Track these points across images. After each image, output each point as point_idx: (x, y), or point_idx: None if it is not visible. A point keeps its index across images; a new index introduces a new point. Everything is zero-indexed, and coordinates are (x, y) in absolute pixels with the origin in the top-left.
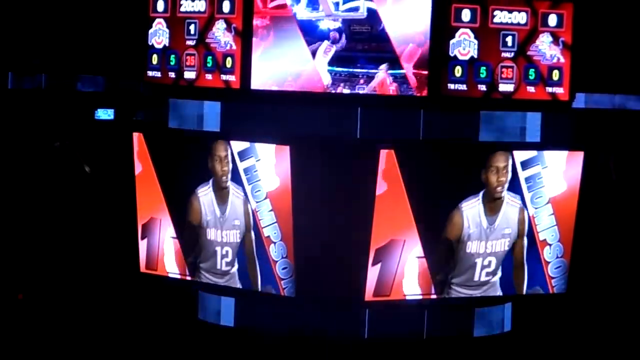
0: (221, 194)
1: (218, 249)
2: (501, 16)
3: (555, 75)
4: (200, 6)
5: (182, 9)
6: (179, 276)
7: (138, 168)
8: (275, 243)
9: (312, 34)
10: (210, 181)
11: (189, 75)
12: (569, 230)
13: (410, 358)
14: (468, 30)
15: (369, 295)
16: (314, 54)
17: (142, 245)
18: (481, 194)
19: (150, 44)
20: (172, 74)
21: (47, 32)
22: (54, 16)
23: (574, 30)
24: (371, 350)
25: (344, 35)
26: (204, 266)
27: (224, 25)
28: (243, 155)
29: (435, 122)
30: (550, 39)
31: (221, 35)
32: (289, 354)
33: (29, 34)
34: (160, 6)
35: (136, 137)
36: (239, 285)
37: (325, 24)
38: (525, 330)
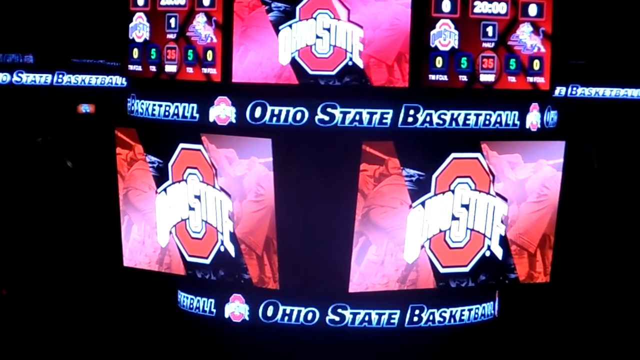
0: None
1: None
2: (481, 6)
3: (536, 65)
4: (181, 0)
5: (163, 2)
6: (158, 269)
7: (120, 160)
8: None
9: None
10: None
11: (170, 69)
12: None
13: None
14: (448, 21)
15: (352, 287)
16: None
17: (125, 239)
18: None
19: (130, 38)
20: (153, 68)
21: (26, 27)
22: (34, 11)
23: (554, 20)
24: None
25: None
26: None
27: (205, 19)
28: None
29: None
30: (531, 28)
31: (202, 29)
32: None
33: (6, 28)
34: (141, 0)
35: (118, 131)
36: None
37: None
38: (511, 319)
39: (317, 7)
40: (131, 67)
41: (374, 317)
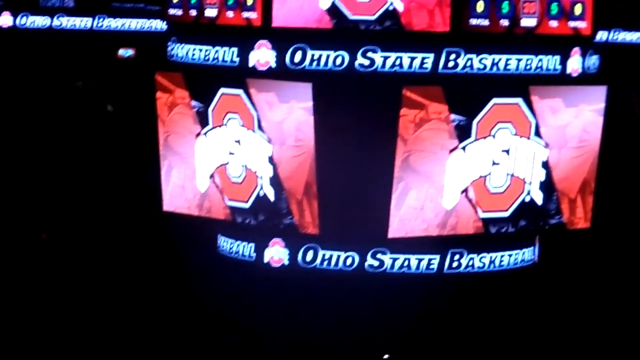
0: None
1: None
2: None
3: (578, 9)
4: None
5: None
6: (198, 213)
7: (160, 105)
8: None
9: None
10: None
11: (210, 13)
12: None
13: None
14: None
15: (392, 232)
16: None
17: (165, 184)
18: None
19: None
20: (193, 12)
21: None
22: None
23: None
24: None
25: None
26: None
27: None
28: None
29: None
30: None
31: None
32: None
33: None
34: None
35: (158, 75)
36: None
37: None
38: (552, 264)
39: None
40: (171, 11)
41: (413, 263)
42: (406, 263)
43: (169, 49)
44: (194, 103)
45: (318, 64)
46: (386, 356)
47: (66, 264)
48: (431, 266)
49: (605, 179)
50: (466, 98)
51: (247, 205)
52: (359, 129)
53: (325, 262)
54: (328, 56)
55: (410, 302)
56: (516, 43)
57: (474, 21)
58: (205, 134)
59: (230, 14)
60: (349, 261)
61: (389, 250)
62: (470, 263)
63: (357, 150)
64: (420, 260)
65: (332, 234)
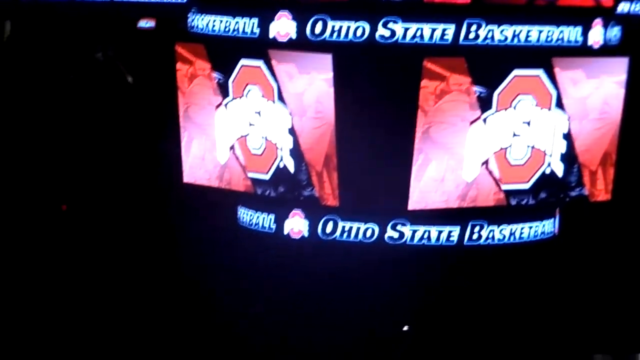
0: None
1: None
2: None
3: None
4: None
5: None
6: (218, 185)
7: (180, 76)
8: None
9: None
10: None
11: None
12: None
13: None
14: None
15: (412, 204)
16: None
17: (185, 155)
18: None
19: None
20: None
21: None
22: None
23: None
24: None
25: None
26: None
27: None
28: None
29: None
30: None
31: None
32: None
33: None
34: None
35: (178, 46)
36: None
37: None
38: (572, 237)
39: None
40: None
41: (433, 234)
42: (426, 235)
43: (190, 20)
44: (214, 74)
45: (338, 35)
46: (406, 328)
47: (86, 235)
48: (451, 238)
49: (627, 151)
50: (487, 69)
51: (267, 177)
52: (379, 101)
53: (345, 234)
54: (349, 27)
55: (429, 274)
56: (537, 14)
57: None
58: (225, 105)
59: None
60: (368, 233)
61: (409, 221)
62: (491, 235)
63: (377, 122)
64: (440, 232)
65: (352, 206)
